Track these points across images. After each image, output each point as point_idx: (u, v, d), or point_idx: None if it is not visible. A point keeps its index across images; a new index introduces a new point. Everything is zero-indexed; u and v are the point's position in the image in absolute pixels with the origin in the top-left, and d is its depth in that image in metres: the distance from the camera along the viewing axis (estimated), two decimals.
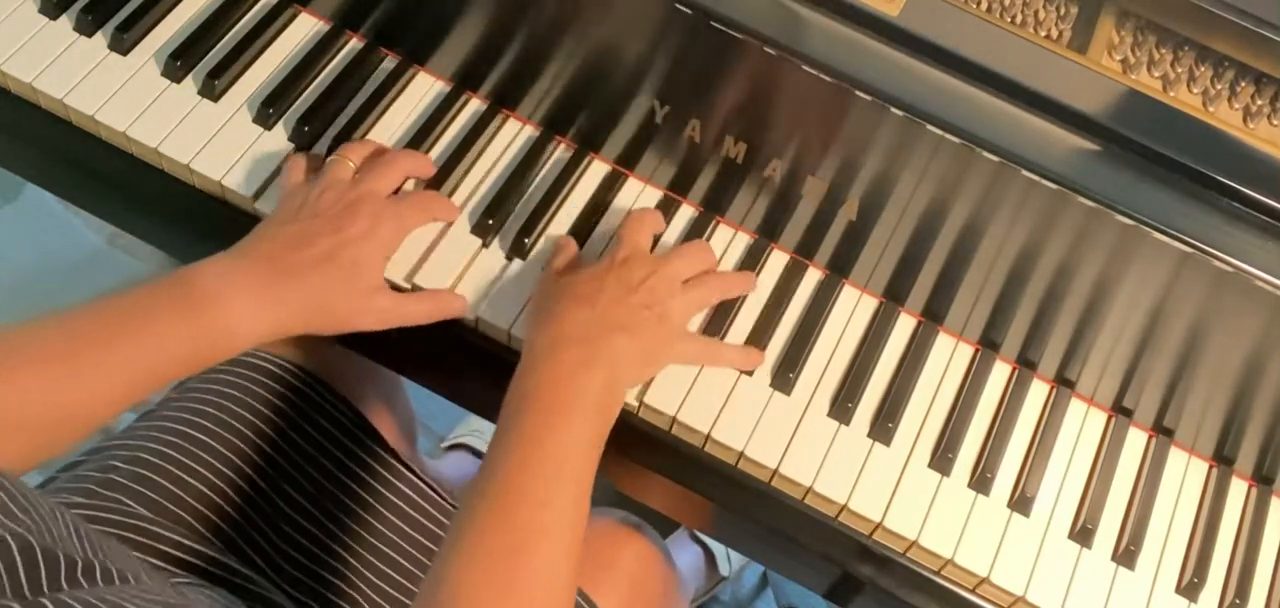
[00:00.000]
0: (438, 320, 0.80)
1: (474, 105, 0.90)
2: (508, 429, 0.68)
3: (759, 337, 0.82)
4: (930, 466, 0.80)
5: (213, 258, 0.72)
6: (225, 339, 0.70)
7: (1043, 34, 0.77)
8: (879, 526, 0.78)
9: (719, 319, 0.82)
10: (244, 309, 0.70)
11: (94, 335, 0.66)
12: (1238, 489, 0.83)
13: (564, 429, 0.68)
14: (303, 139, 0.86)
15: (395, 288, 0.80)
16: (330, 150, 0.85)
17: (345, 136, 0.86)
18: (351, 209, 0.76)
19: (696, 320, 0.83)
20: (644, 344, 0.75)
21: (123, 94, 0.86)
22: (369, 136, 0.87)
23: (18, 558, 0.47)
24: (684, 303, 0.78)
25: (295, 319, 0.73)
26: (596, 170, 0.88)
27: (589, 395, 0.70)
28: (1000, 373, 0.84)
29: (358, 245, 0.75)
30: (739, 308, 0.83)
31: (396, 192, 0.83)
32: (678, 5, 0.76)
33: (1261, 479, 0.83)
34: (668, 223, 0.86)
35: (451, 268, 0.82)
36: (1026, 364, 0.84)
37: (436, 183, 0.85)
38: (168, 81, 0.87)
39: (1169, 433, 0.83)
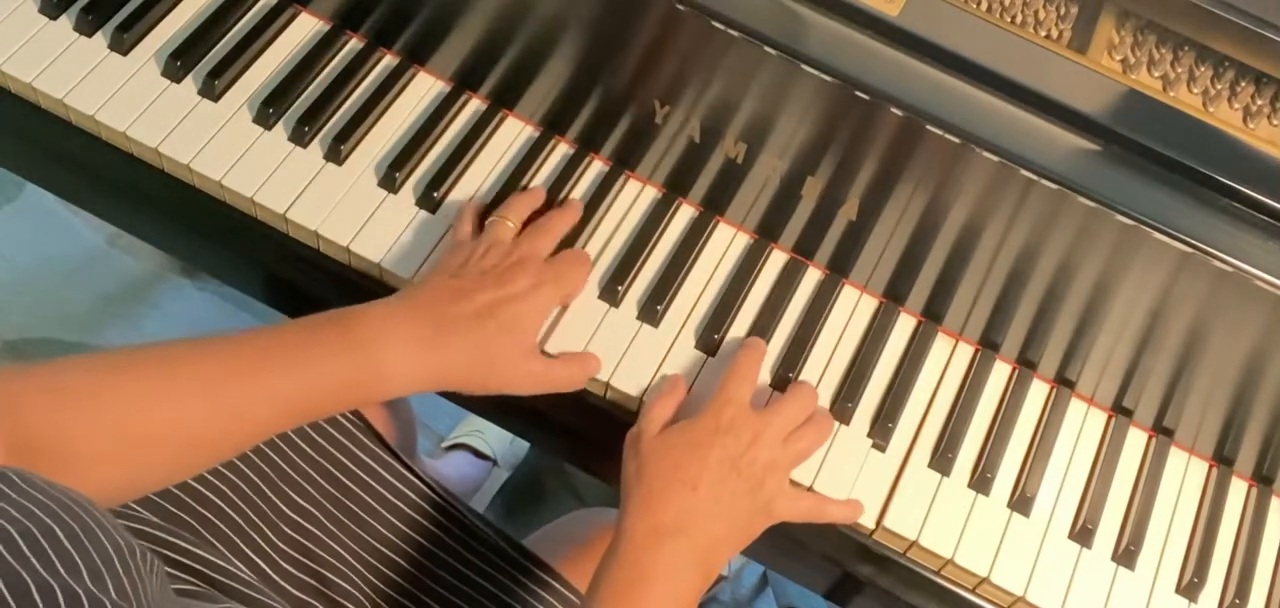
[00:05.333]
0: (579, 387, 0.79)
1: (474, 105, 0.90)
2: None
3: (759, 336, 0.82)
4: (930, 466, 0.80)
5: (376, 302, 0.73)
6: (379, 383, 0.71)
7: (1043, 34, 0.77)
8: (879, 525, 0.78)
9: (718, 320, 0.82)
10: (400, 356, 0.71)
11: (254, 363, 0.67)
12: (1238, 489, 0.83)
13: None
14: (303, 139, 0.86)
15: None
16: (331, 150, 0.85)
17: (345, 136, 0.86)
18: (514, 269, 0.76)
19: (694, 321, 0.83)
20: (743, 531, 0.73)
21: (123, 94, 0.86)
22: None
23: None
24: (786, 462, 0.75)
25: (449, 372, 0.73)
26: (596, 170, 0.88)
27: (685, 589, 0.70)
28: (1000, 373, 0.84)
29: (517, 304, 0.75)
30: (738, 310, 0.83)
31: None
32: (678, 5, 0.76)
33: (1261, 479, 0.83)
34: (667, 221, 0.86)
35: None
36: (1026, 364, 0.84)
37: (436, 182, 0.85)
38: (168, 81, 0.87)
39: (1169, 433, 0.83)
